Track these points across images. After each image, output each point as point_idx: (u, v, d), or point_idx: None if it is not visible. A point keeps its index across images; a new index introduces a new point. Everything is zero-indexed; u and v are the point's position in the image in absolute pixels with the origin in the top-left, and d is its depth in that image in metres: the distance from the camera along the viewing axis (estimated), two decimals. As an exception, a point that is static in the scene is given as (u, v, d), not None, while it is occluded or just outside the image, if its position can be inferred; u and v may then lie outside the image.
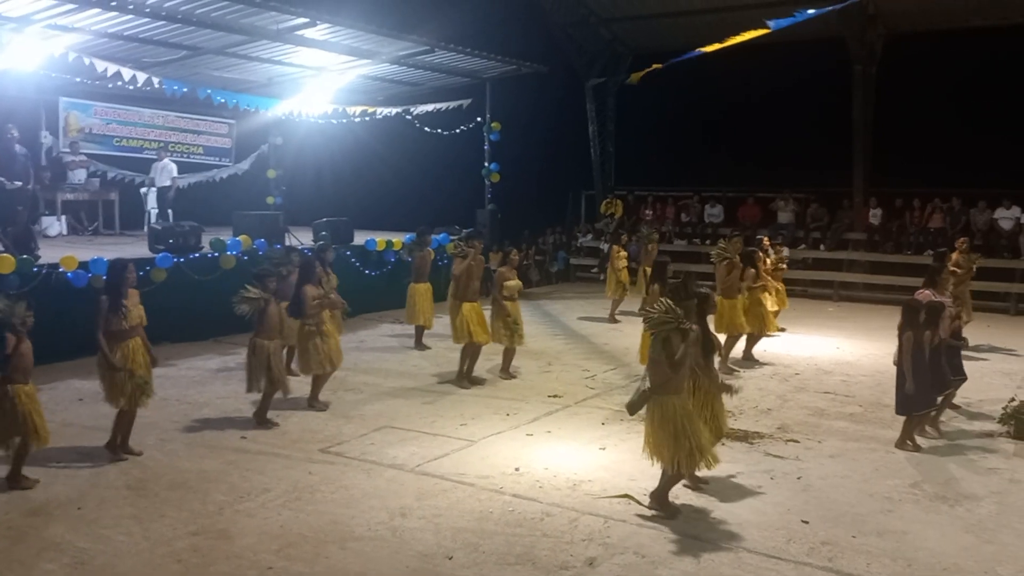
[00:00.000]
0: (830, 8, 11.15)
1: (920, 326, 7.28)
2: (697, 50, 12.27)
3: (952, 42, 17.27)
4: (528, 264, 18.89)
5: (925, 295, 8.11)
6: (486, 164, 17.36)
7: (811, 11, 11.03)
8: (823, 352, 11.83)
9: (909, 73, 18.42)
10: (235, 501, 6.03)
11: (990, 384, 9.88)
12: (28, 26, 11.02)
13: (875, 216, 18.03)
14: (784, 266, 12.47)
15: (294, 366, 8.75)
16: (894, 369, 7.54)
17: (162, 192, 15.80)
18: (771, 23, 10.89)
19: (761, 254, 11.52)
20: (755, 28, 17.29)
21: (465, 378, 9.59)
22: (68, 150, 15.49)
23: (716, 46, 11.83)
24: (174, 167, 15.91)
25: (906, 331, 7.27)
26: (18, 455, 6.18)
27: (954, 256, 11.81)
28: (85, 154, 15.74)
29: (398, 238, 15.01)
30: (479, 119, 17.05)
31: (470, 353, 9.61)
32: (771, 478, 6.65)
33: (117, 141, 16.60)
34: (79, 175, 15.37)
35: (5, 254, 9.80)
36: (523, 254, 18.72)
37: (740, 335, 10.60)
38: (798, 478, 6.68)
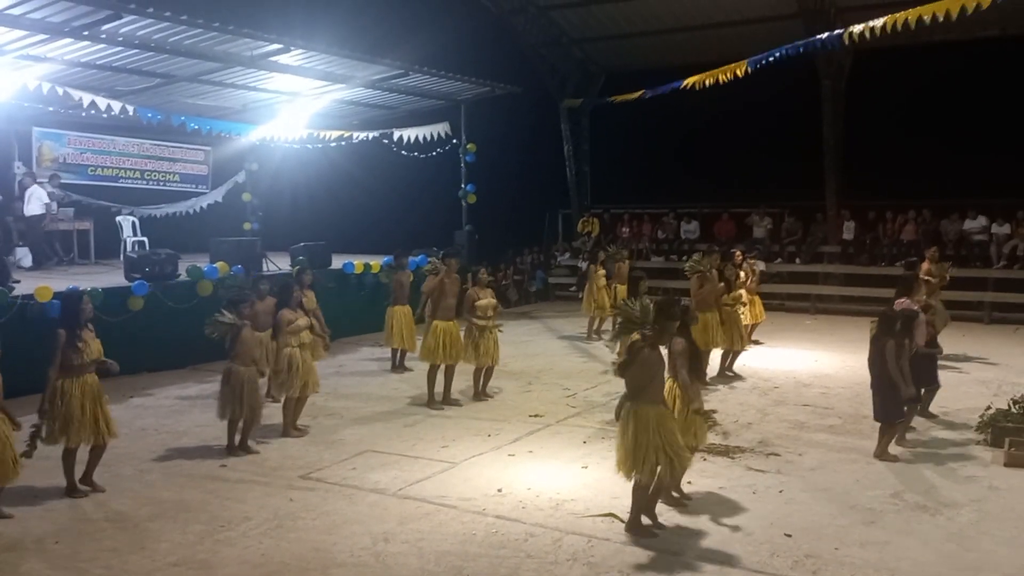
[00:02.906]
0: (807, 41, 11.36)
1: (898, 334, 7.37)
2: (679, 82, 12.48)
3: (918, 57, 17.56)
4: (507, 284, 18.91)
5: (904, 303, 8.21)
6: (463, 185, 17.41)
7: (797, 43, 11.22)
8: (801, 365, 11.92)
9: (878, 88, 18.74)
10: (215, 531, 5.96)
11: (966, 393, 9.98)
12: (0, 57, 10.98)
13: (848, 229, 18.25)
14: (750, 278, 12.35)
15: (274, 393, 8.68)
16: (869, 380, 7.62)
17: (32, 222, 14.13)
18: (749, 62, 11.14)
19: (735, 268, 11.60)
20: (727, 46, 17.61)
21: (443, 400, 9.57)
22: (46, 180, 15.11)
23: (696, 78, 12.04)
24: (43, 192, 14.45)
25: (885, 340, 7.35)
26: None
27: (925, 265, 11.96)
28: (61, 184, 15.48)
29: (376, 261, 15.00)
30: (455, 141, 17.11)
31: (437, 374, 9.58)
32: (753, 492, 6.68)
33: (92, 170, 16.49)
34: (38, 205, 14.70)
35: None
36: (501, 274, 18.78)
37: (711, 349, 10.63)
38: (780, 491, 6.71)
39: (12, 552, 5.62)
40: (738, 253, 12.43)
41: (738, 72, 11.41)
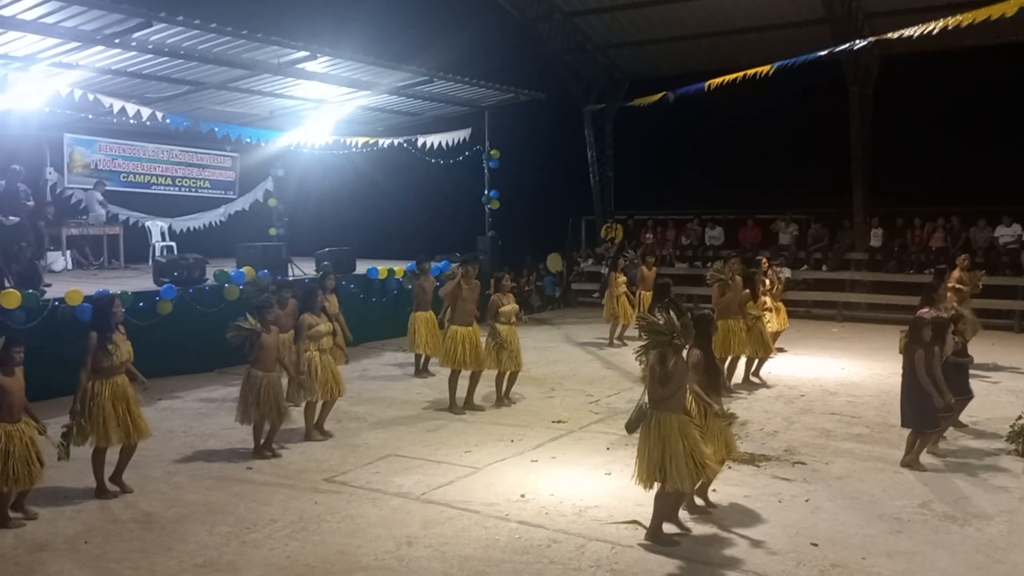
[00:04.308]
0: (829, 50, 11.31)
1: (927, 343, 7.28)
2: (702, 83, 12.42)
3: (947, 61, 17.39)
4: (529, 290, 18.92)
5: (927, 313, 8.12)
6: (486, 191, 17.45)
7: (821, 52, 11.17)
8: (828, 373, 11.81)
9: (905, 93, 18.55)
10: (241, 532, 6.01)
11: (996, 402, 9.85)
12: (33, 64, 11.17)
13: (876, 236, 18.07)
14: (776, 285, 12.29)
15: (293, 397, 8.72)
16: (899, 388, 7.53)
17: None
18: (775, 65, 11.10)
19: (762, 275, 11.52)
20: (752, 51, 17.51)
21: (465, 405, 9.59)
22: (92, 187, 15.60)
23: (720, 79, 11.99)
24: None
25: (915, 348, 7.27)
26: (3, 496, 6.07)
27: (955, 273, 11.81)
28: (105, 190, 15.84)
29: (399, 266, 15.08)
30: (478, 147, 17.16)
31: (460, 379, 9.60)
32: (779, 501, 6.63)
33: (124, 176, 16.72)
34: (98, 213, 15.43)
35: (11, 289, 9.85)
36: (524, 280, 18.80)
37: (736, 357, 10.57)
38: (806, 500, 6.65)
39: (43, 552, 5.71)
40: (763, 260, 12.36)
41: (762, 72, 11.35)
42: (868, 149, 18.37)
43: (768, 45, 17.70)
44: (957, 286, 11.35)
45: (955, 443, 8.18)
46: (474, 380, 9.70)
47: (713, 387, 6.24)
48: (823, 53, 11.16)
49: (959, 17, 8.81)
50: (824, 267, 18.45)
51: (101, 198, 15.55)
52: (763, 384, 10.86)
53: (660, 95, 13.73)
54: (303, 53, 12.22)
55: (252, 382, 7.69)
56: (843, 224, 18.70)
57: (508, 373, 9.83)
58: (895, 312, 16.20)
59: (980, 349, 11.65)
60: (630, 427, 5.90)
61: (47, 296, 10.29)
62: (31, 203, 13.36)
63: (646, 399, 5.83)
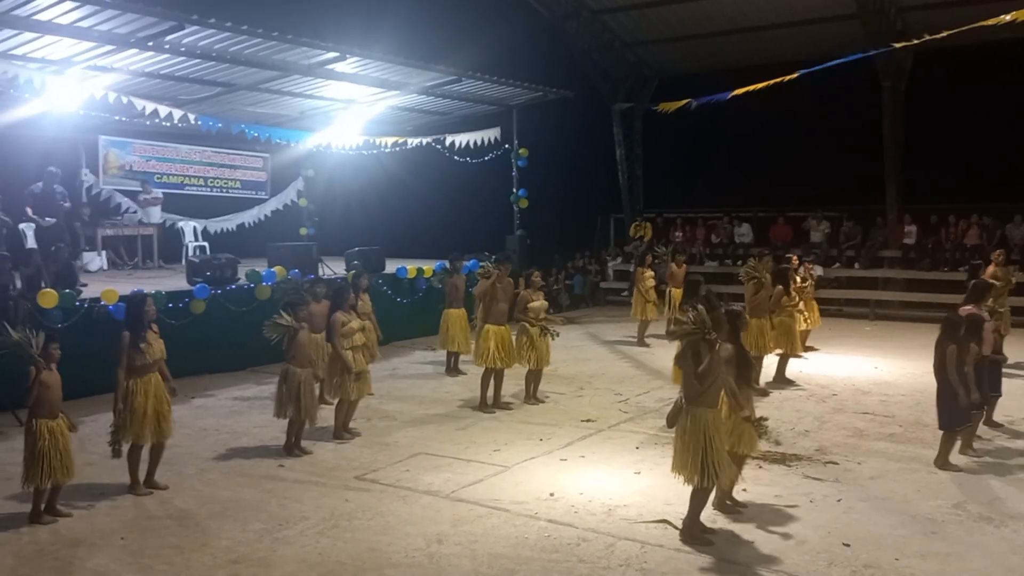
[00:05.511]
0: (858, 55, 11.19)
1: (961, 339, 7.18)
2: (728, 93, 12.36)
3: (981, 55, 17.08)
4: (558, 288, 18.90)
5: (969, 310, 8.00)
6: (514, 190, 17.46)
7: (851, 56, 11.08)
8: (860, 372, 11.68)
9: (940, 88, 18.26)
10: (274, 529, 6.08)
11: (1033, 402, 9.67)
12: (69, 68, 11.37)
13: (910, 233, 17.81)
14: (809, 284, 12.25)
15: (327, 396, 8.81)
16: (934, 388, 7.43)
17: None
18: (801, 71, 11.04)
19: (794, 272, 11.43)
20: (782, 47, 17.33)
21: (494, 404, 9.62)
22: (140, 188, 15.97)
23: (745, 89, 11.94)
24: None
25: (947, 344, 7.17)
26: (37, 492, 6.19)
27: (991, 269, 11.62)
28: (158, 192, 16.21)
29: (429, 265, 15.14)
30: (507, 146, 17.18)
31: (492, 378, 9.63)
32: (810, 501, 6.57)
33: (159, 178, 16.96)
34: (153, 213, 15.80)
35: (49, 290, 10.04)
36: (553, 278, 18.78)
37: (766, 355, 10.48)
38: (838, 500, 6.59)
39: (80, 547, 5.82)
40: (795, 258, 12.24)
41: (786, 79, 11.30)
42: (901, 145, 18.11)
43: (798, 41, 17.54)
44: (992, 281, 11.17)
45: (990, 443, 8.06)
46: (499, 379, 9.72)
47: (745, 380, 6.25)
48: (852, 57, 11.04)
49: (1001, 17, 8.69)
50: (856, 265, 18.23)
51: (154, 195, 15.95)
52: (791, 383, 10.76)
53: (684, 102, 13.66)
54: (333, 54, 12.33)
55: (290, 379, 7.77)
56: (876, 221, 18.46)
57: (532, 371, 9.84)
58: (929, 310, 15.95)
59: (1014, 348, 11.45)
60: (669, 421, 5.93)
61: (83, 296, 10.47)
62: (67, 204, 13.62)
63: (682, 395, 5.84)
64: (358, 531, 6.05)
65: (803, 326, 11.50)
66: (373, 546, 5.78)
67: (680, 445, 5.78)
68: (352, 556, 5.62)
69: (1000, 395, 8.25)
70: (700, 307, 5.87)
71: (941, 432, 7.41)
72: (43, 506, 6.27)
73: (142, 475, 6.96)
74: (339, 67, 12.96)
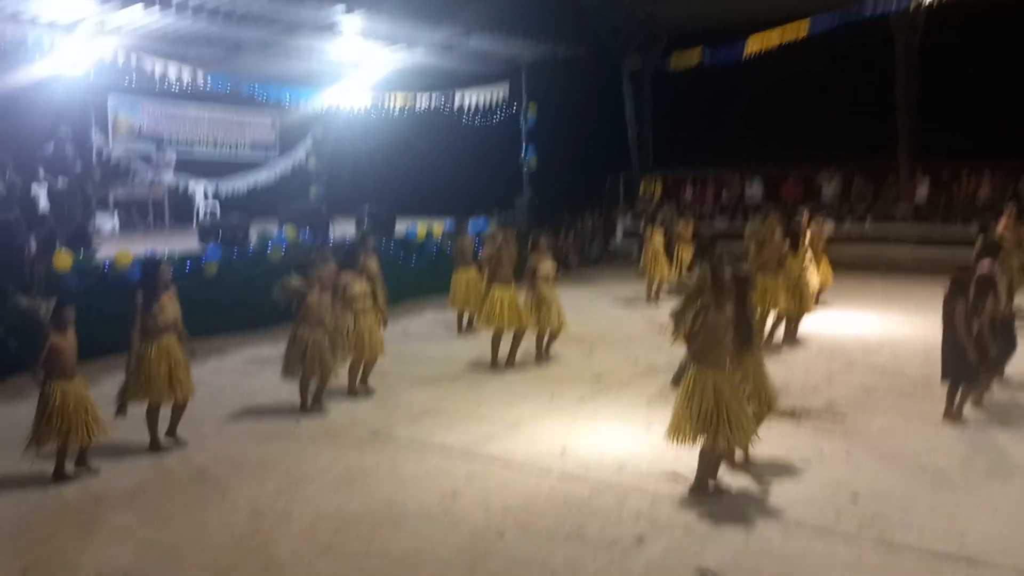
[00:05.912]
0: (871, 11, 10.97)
1: (973, 297, 7.19)
2: (741, 48, 12.14)
3: (996, 11, 16.79)
4: (567, 248, 18.90)
5: (986, 264, 8.00)
6: (524, 151, 17.39)
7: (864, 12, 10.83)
8: (871, 328, 11.71)
9: (953, 43, 17.97)
10: (291, 486, 6.21)
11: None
12: (77, 28, 11.33)
13: (922, 189, 17.68)
14: (819, 239, 12.17)
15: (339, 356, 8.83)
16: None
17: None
18: (814, 22, 10.81)
19: (804, 227, 11.39)
20: (794, 3, 16.99)
21: (507, 363, 9.68)
22: (153, 151, 16.01)
23: (758, 47, 11.72)
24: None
25: (956, 301, 7.18)
26: (58, 451, 6.30)
27: (1003, 221, 11.55)
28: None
29: (438, 224, 15.13)
30: (516, 104, 17.07)
31: (501, 339, 9.68)
32: (819, 456, 6.65)
33: (168, 139, 16.97)
34: (166, 175, 15.84)
35: (63, 252, 10.12)
36: (561, 237, 18.77)
37: (774, 313, 10.45)
38: (847, 455, 6.66)
39: (102, 504, 5.96)
40: (805, 213, 12.19)
41: (799, 34, 11.11)
42: (914, 101, 17.91)
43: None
44: (1003, 232, 11.13)
45: (999, 398, 8.09)
46: (517, 340, 9.78)
47: (745, 344, 6.17)
48: (865, 14, 10.81)
49: None
50: (868, 222, 18.13)
51: (167, 157, 15.99)
52: (799, 341, 10.78)
53: (697, 58, 13.41)
54: (341, 5, 12.19)
55: (298, 339, 7.86)
56: (887, 178, 18.32)
57: (548, 331, 9.90)
58: (940, 266, 15.87)
59: (1027, 304, 11.45)
60: (675, 380, 5.97)
61: (97, 258, 10.55)
62: (79, 163, 13.66)
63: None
64: (374, 486, 6.17)
65: (815, 282, 11.49)
66: (389, 500, 5.90)
67: (679, 405, 5.79)
68: (369, 510, 5.74)
69: (1015, 349, 8.25)
70: (706, 267, 5.87)
71: (947, 386, 7.45)
72: (69, 463, 6.39)
73: (163, 429, 7.08)
74: (347, 22, 12.84)
